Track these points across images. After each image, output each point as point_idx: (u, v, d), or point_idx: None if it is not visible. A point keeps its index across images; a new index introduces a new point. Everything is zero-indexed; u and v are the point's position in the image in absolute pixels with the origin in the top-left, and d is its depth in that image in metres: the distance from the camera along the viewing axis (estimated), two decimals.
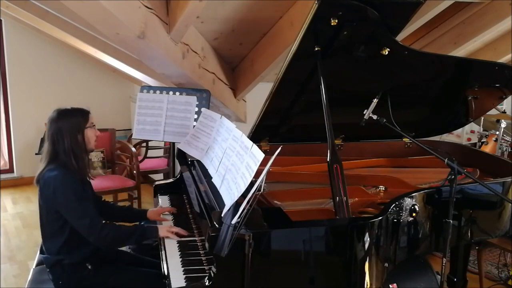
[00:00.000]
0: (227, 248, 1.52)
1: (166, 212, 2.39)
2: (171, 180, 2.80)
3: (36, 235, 3.91)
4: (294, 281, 1.68)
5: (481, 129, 4.27)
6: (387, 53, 2.19)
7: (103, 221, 2.08)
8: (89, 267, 2.08)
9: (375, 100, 2.26)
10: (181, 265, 1.87)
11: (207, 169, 2.24)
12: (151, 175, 5.11)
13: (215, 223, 1.69)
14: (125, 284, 2.09)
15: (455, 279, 2.61)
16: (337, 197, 1.79)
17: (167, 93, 2.91)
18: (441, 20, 4.00)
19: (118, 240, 2.11)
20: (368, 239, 1.72)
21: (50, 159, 2.11)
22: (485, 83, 2.61)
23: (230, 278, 1.60)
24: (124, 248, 2.44)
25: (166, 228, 2.10)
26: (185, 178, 2.50)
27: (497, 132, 3.86)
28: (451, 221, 1.89)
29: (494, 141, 3.93)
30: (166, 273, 1.84)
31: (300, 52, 2.10)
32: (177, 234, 2.08)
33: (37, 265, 2.34)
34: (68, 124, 2.12)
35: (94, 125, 2.21)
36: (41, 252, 2.21)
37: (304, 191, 2.25)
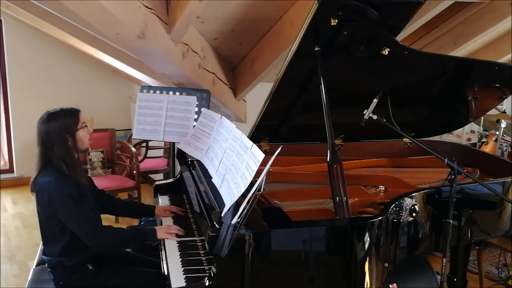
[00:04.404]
0: (227, 248, 1.52)
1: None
2: (171, 180, 2.80)
3: (36, 235, 3.91)
4: (294, 281, 1.68)
5: (481, 129, 4.27)
6: (387, 53, 2.19)
7: (103, 225, 2.04)
8: (90, 267, 2.07)
9: (375, 100, 2.25)
10: (181, 265, 1.87)
11: (207, 169, 2.24)
12: (151, 175, 5.11)
13: (215, 223, 1.69)
14: (126, 284, 2.08)
15: (455, 279, 2.60)
16: (337, 197, 1.79)
17: (167, 93, 2.91)
18: (441, 20, 4.00)
19: (118, 245, 2.10)
20: (368, 239, 1.72)
21: (43, 164, 2.04)
22: (485, 83, 2.61)
23: (230, 278, 1.60)
24: None
25: (165, 229, 2.09)
26: (185, 178, 2.50)
27: (497, 132, 3.86)
28: (451, 221, 1.89)
29: (494, 141, 3.93)
30: (166, 273, 1.83)
31: (300, 52, 2.10)
32: (176, 234, 2.08)
33: (37, 265, 2.34)
34: (57, 128, 2.03)
35: (86, 125, 2.10)
36: (44, 253, 2.18)
37: (304, 191, 2.25)
